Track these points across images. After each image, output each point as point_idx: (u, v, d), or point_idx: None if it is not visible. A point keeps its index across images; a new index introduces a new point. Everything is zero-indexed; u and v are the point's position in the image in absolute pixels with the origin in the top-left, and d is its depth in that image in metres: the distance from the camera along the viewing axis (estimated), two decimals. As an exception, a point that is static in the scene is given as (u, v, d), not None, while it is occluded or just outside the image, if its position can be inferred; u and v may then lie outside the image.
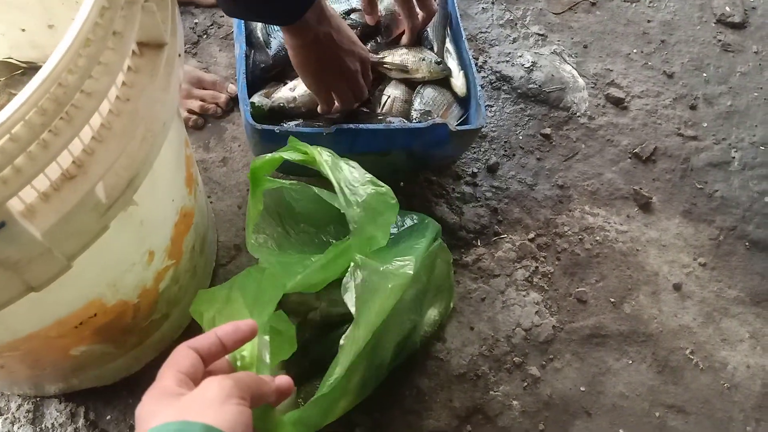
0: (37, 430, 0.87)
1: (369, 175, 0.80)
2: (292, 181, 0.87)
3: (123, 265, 0.66)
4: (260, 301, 0.72)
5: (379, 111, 1.03)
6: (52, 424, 0.88)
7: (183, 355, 0.49)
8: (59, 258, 0.48)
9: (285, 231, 0.90)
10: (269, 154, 0.78)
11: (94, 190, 0.48)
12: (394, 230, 0.91)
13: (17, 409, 0.89)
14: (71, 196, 0.46)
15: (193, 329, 0.92)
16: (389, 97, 1.04)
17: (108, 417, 0.89)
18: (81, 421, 0.88)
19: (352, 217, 0.75)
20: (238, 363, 0.62)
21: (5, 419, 0.88)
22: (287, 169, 0.95)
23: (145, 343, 0.85)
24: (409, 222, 0.94)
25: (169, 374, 0.47)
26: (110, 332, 0.74)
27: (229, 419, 0.43)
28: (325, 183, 0.78)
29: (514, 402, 0.97)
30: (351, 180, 0.77)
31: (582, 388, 1.00)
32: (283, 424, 0.66)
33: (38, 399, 0.89)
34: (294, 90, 1.01)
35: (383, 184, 0.80)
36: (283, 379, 0.54)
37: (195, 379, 0.48)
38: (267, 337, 0.64)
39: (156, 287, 0.75)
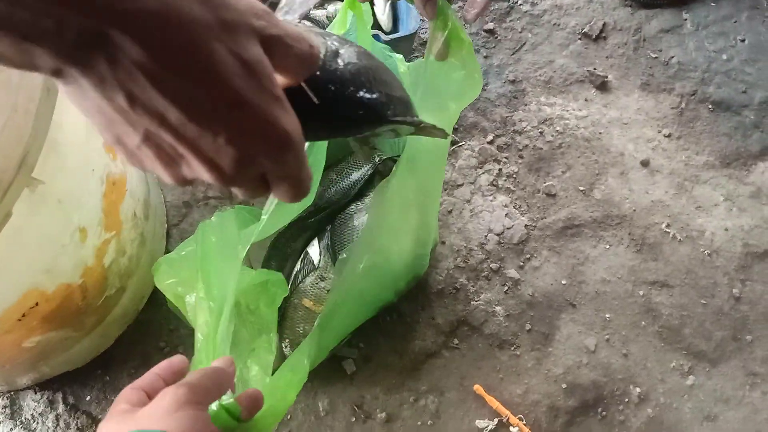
0: (18, 423, 0.85)
1: None
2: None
3: (52, 248, 0.62)
4: (222, 281, 0.68)
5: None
6: (32, 414, 0.86)
7: (128, 392, 0.48)
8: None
9: None
10: None
11: (-25, 176, 0.43)
12: None
13: (-5, 408, 0.86)
14: (-50, 188, 0.42)
15: (156, 298, 0.89)
16: None
17: (87, 398, 0.87)
18: (61, 407, 0.86)
19: None
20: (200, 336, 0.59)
21: (-16, 420, 0.86)
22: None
23: (107, 320, 0.81)
24: None
25: (119, 402, 0.46)
26: (62, 317, 0.70)
27: (184, 425, 0.43)
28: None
29: (497, 308, 0.96)
30: None
31: (563, 282, 0.98)
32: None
33: (12, 393, 0.87)
34: None
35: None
36: (251, 392, 0.52)
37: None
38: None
39: (100, 263, 0.71)
